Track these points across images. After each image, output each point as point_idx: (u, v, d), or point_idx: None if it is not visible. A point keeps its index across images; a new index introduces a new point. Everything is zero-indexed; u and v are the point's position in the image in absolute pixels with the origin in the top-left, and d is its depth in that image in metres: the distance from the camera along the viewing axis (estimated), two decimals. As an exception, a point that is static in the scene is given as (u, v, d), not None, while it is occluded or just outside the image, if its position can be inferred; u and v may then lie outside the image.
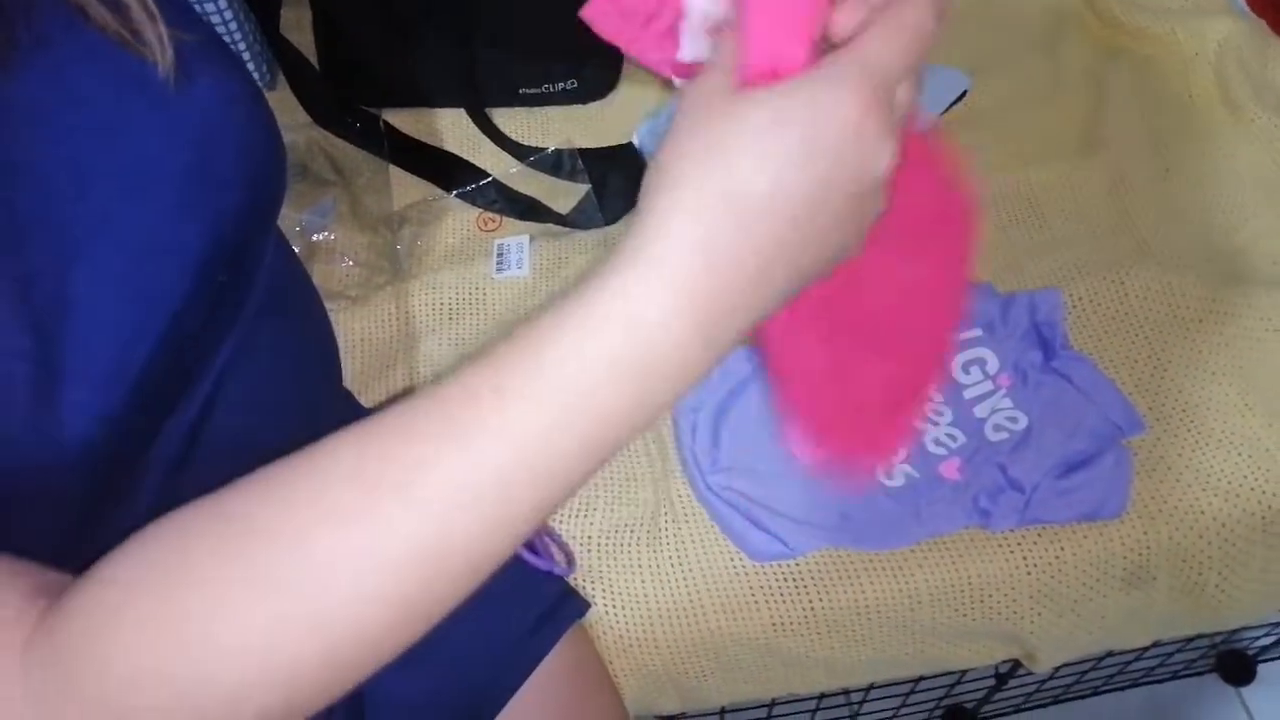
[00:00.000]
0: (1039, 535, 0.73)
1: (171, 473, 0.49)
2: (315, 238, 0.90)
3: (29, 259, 0.40)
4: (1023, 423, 0.77)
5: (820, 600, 0.72)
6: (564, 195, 0.95)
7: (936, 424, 0.78)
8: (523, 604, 0.69)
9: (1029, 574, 0.72)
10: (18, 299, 0.39)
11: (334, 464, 0.34)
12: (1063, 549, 0.73)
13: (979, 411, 0.79)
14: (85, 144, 0.43)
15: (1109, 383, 0.79)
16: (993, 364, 0.81)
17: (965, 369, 0.81)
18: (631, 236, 0.34)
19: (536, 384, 0.33)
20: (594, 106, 1.02)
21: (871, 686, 0.93)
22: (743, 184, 0.33)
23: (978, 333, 0.83)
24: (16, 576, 0.36)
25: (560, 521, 0.75)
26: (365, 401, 0.80)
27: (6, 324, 0.38)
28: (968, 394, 0.80)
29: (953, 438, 0.78)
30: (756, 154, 0.33)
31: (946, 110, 1.00)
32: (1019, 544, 0.73)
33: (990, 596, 0.73)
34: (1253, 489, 0.74)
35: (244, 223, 0.51)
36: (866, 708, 1.04)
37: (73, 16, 0.43)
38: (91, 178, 0.43)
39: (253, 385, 0.53)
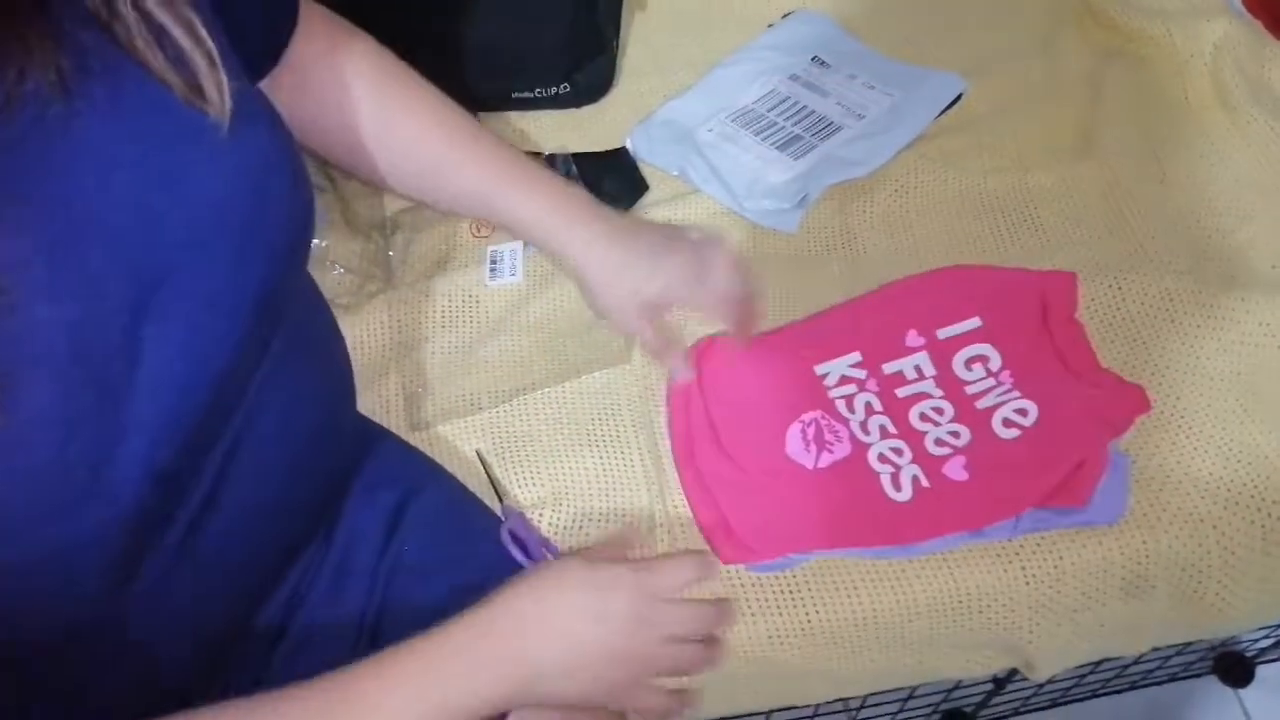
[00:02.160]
0: (1037, 544, 0.73)
1: (200, 511, 0.48)
2: (306, 245, 0.89)
3: (96, 310, 0.40)
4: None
5: (817, 612, 0.72)
6: (557, 201, 0.94)
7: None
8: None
9: (1027, 584, 0.72)
10: (80, 351, 0.39)
11: None
12: (1061, 558, 0.72)
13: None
14: (154, 193, 0.42)
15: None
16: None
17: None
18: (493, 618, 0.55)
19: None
20: (587, 110, 1.01)
21: (869, 694, 0.92)
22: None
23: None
24: None
25: (556, 534, 0.74)
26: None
27: (67, 375, 0.38)
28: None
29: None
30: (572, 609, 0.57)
31: (942, 114, 0.99)
32: (1017, 554, 0.73)
33: (989, 607, 0.72)
34: (1252, 496, 0.74)
35: (287, 266, 0.51)
36: (864, 713, 1.03)
37: (134, 65, 0.42)
38: (159, 228, 0.42)
39: (278, 415, 0.53)
